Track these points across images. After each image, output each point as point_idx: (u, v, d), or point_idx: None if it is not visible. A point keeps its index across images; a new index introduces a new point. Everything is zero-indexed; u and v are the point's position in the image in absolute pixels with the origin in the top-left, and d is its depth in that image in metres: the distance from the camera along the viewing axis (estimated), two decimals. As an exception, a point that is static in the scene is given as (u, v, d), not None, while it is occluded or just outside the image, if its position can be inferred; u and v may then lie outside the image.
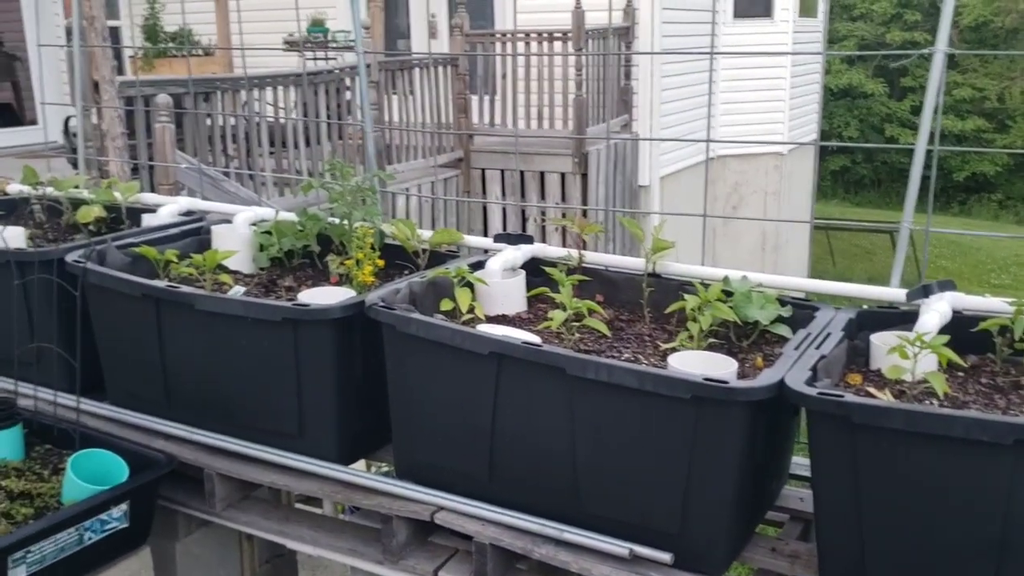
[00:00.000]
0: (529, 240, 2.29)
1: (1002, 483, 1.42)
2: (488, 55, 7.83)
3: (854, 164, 21.67)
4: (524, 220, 7.67)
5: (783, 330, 1.91)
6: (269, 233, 2.48)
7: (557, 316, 1.93)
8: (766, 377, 1.64)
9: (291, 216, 2.52)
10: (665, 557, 1.67)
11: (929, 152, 2.17)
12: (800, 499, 2.01)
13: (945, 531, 1.47)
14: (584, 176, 7.48)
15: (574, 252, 2.24)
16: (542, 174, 7.58)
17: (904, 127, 20.89)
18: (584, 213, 6.92)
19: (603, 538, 1.72)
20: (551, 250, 2.30)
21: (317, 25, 8.07)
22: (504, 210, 7.67)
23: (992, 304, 1.91)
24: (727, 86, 9.17)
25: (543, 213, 7.50)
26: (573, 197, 7.41)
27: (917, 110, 20.96)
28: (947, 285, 1.92)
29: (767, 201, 9.38)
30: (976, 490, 1.44)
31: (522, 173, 7.59)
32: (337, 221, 2.41)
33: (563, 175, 7.50)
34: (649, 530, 1.70)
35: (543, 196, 7.56)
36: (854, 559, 1.57)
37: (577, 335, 1.97)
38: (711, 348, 1.91)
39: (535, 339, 1.86)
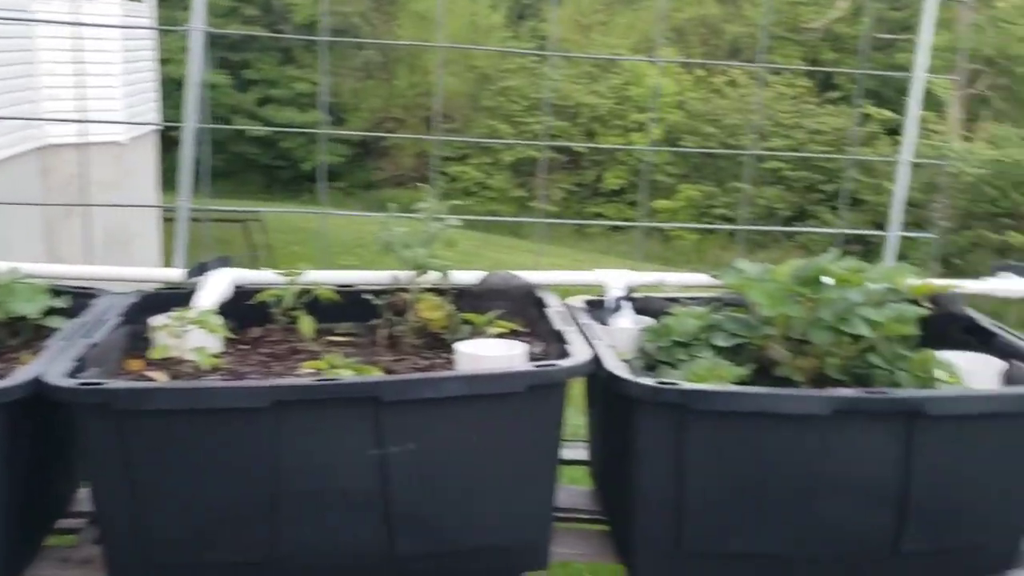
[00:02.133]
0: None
1: (262, 443, 1.48)
2: None
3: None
4: None
5: (57, 322, 1.77)
6: None
7: None
8: (21, 375, 1.49)
9: None
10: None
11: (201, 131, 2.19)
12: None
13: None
14: None
15: None
16: None
17: (253, 117, 21.67)
18: None
19: None
20: None
21: None
22: None
23: (269, 277, 2.00)
24: (51, 68, 8.45)
25: None
26: None
27: (262, 102, 21.89)
28: (224, 262, 1.96)
29: (109, 194, 8.92)
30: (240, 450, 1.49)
31: None
32: None
33: None
34: None
35: None
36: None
37: None
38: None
39: None
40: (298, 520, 1.53)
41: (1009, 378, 1.77)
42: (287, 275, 1.92)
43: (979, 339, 1.93)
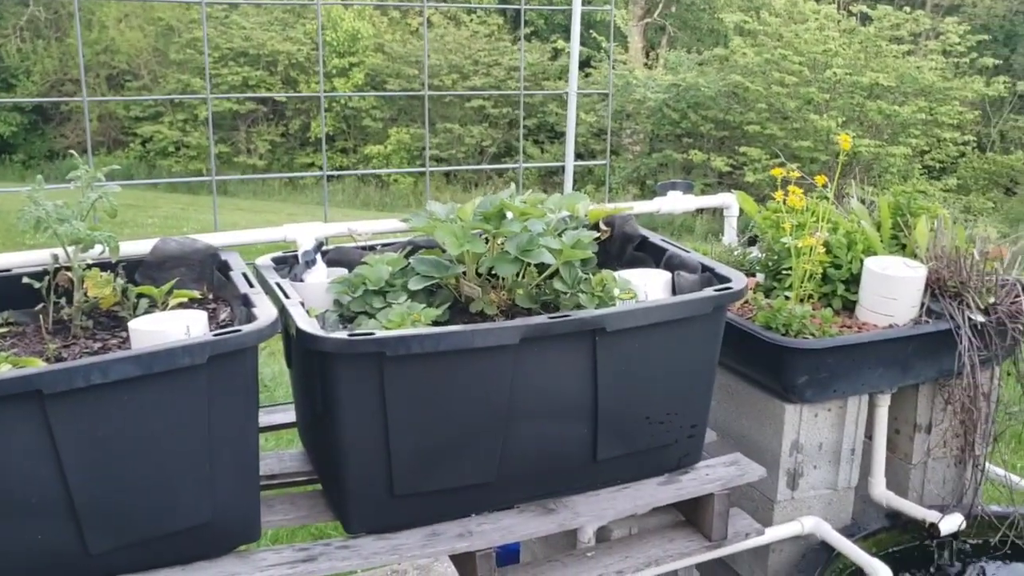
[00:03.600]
0: None
1: None
2: None
3: None
4: None
5: None
6: None
7: None
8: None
9: None
10: None
11: None
12: None
13: None
14: None
15: None
16: None
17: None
18: None
19: None
20: None
21: None
22: None
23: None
24: None
25: None
26: None
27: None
28: None
29: None
30: None
31: None
32: None
33: None
34: None
35: None
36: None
37: None
38: None
39: None
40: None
41: (676, 288, 1.92)
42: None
43: (651, 255, 2.06)
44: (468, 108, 17.20)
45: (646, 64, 18.43)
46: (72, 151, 1.90)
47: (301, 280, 1.92)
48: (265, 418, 2.10)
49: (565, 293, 1.80)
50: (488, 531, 1.70)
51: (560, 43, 17.68)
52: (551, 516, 1.76)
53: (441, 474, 1.68)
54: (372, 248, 2.08)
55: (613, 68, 16.34)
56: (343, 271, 1.97)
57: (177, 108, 17.58)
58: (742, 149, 15.20)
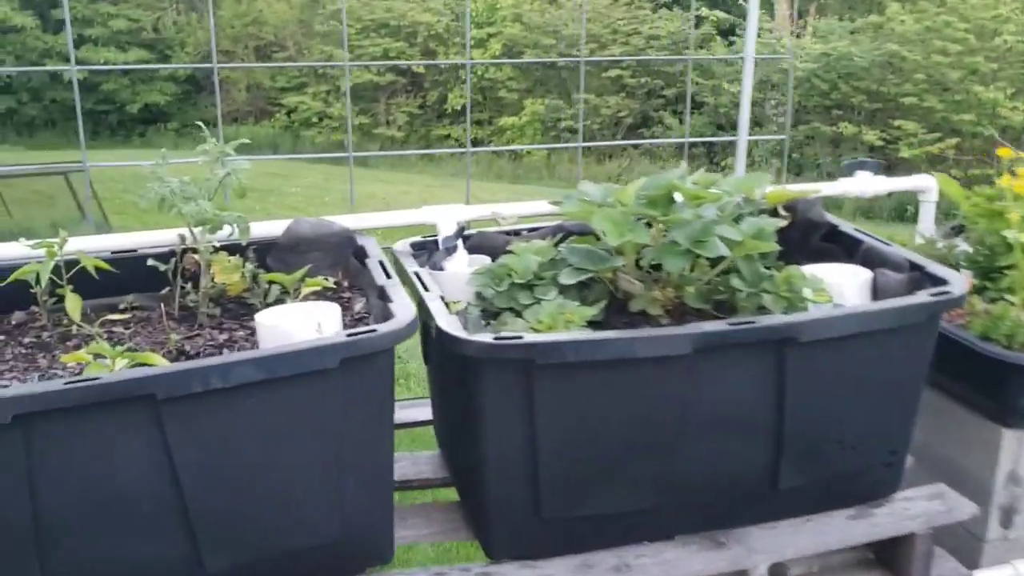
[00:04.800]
0: None
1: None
2: None
3: (21, 104, 20.16)
4: None
5: None
6: None
7: None
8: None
9: None
10: None
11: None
12: None
13: None
14: None
15: None
16: None
17: (67, 61, 20.00)
18: None
19: None
20: None
21: None
22: None
23: (19, 250, 1.65)
24: None
25: None
26: None
27: (77, 43, 20.21)
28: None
29: None
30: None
31: None
32: None
33: None
34: None
35: None
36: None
37: None
38: None
39: None
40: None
41: (878, 289, 1.63)
42: (43, 246, 1.57)
43: (842, 247, 1.77)
44: (604, 78, 16.81)
45: (794, 33, 17.54)
46: (200, 125, 1.76)
47: (440, 268, 1.73)
48: (399, 414, 1.93)
49: (744, 292, 1.54)
50: (648, 565, 1.47)
51: (704, 10, 17.02)
52: (720, 551, 1.51)
53: (595, 497, 1.46)
54: (517, 233, 1.87)
55: (760, 37, 15.61)
56: (485, 259, 1.77)
57: (320, 79, 17.90)
58: (896, 122, 14.28)
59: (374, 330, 1.30)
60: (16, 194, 13.51)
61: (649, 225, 1.57)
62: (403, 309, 1.37)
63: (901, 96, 14.49)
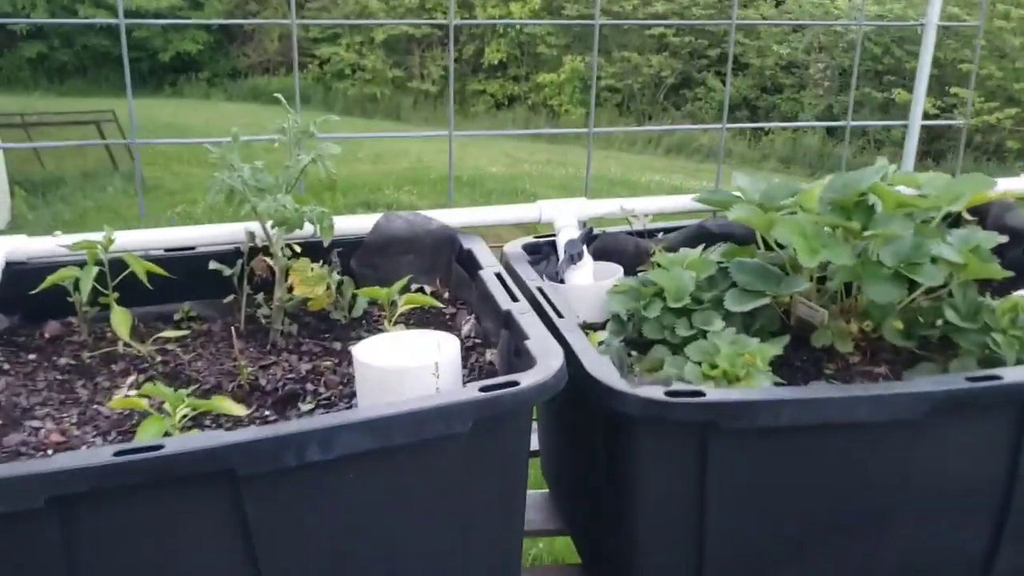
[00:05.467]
0: None
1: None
2: None
3: (53, 50, 19.88)
4: None
5: None
6: None
7: None
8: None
9: None
10: None
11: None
12: None
13: None
14: None
15: None
16: None
17: (99, 7, 19.63)
18: None
19: None
20: None
21: None
22: None
23: (50, 246, 1.35)
24: None
25: None
26: None
27: (107, -12, 19.85)
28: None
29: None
30: None
31: None
32: None
33: None
34: None
35: None
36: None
37: None
38: None
39: None
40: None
41: None
42: (84, 246, 1.27)
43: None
44: (647, 36, 16.29)
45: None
46: (279, 97, 1.44)
47: (561, 281, 1.41)
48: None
49: (963, 329, 1.21)
50: (834, 671, 1.17)
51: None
52: (923, 653, 1.21)
53: (776, 587, 1.16)
54: (651, 234, 1.54)
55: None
56: (614, 267, 1.45)
57: (354, 30, 17.46)
58: (953, 90, 13.69)
59: (516, 382, 0.99)
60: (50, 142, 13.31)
61: (843, 240, 1.25)
62: (546, 352, 1.06)
63: (959, 62, 13.89)
